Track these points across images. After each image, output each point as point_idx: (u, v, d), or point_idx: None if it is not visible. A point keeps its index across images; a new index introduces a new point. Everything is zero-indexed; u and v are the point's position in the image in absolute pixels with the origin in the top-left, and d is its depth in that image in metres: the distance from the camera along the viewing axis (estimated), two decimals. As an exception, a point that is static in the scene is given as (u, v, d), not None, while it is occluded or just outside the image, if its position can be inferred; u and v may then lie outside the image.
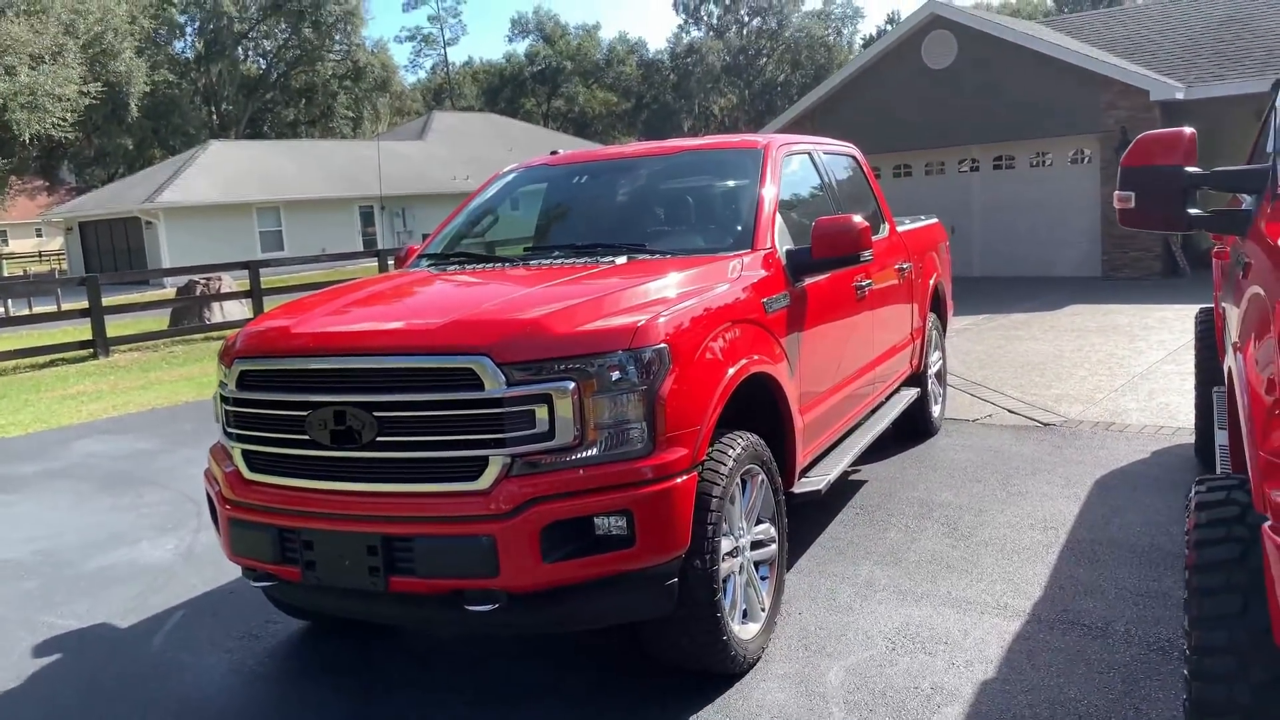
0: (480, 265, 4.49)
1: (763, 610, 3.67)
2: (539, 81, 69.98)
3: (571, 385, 3.03)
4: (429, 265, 4.67)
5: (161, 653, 4.09)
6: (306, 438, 3.23)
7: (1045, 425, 6.79)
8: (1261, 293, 2.37)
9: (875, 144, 15.84)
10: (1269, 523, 1.97)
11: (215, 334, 15.45)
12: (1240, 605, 2.12)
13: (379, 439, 3.11)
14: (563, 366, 3.05)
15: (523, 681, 3.64)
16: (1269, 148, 3.16)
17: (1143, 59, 15.63)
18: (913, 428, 6.51)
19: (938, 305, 6.93)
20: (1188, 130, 3.05)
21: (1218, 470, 3.54)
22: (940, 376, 7.07)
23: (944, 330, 7.24)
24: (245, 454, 3.45)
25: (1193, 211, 3.04)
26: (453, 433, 3.06)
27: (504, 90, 69.67)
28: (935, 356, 6.86)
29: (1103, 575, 4.20)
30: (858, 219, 4.20)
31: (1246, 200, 3.30)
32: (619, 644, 3.81)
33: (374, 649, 4.00)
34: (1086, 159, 15.07)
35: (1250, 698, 2.07)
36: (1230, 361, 2.77)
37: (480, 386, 3.01)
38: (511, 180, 5.35)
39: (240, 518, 3.43)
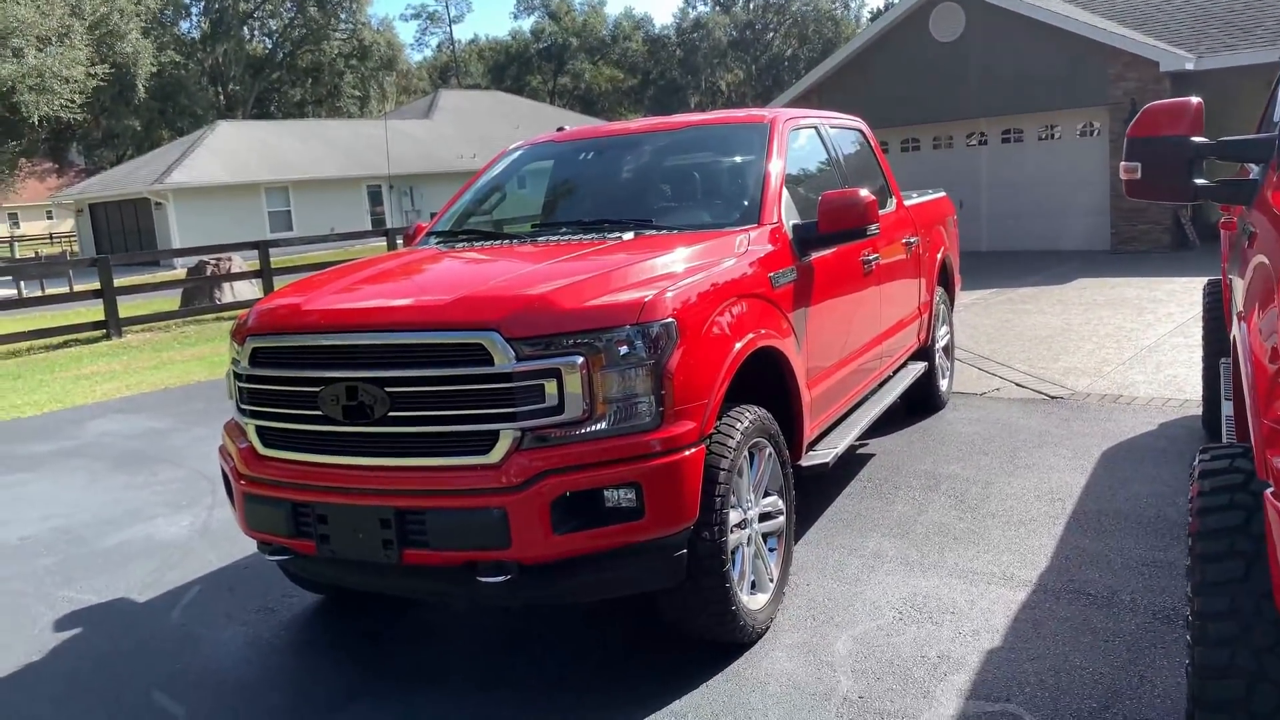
0: (488, 242, 4.51)
1: (771, 581, 3.72)
2: (545, 59, 69.65)
3: (580, 360, 3.05)
4: (437, 243, 4.69)
5: (179, 626, 4.16)
6: (319, 413, 3.27)
7: (1053, 398, 6.80)
8: (1266, 261, 2.38)
9: (883, 118, 15.79)
10: (1271, 489, 2.00)
11: (226, 314, 15.53)
12: (1243, 571, 2.15)
13: (391, 414, 3.15)
14: (571, 341, 3.08)
15: (532, 654, 3.70)
16: (1276, 117, 3.16)
17: (1152, 30, 15.50)
18: (921, 401, 6.54)
19: (945, 279, 6.93)
20: (1194, 100, 3.05)
21: (1224, 441, 3.56)
22: (948, 350, 7.08)
23: (952, 304, 7.24)
24: (259, 430, 3.50)
25: (1199, 182, 3.04)
26: (463, 407, 3.09)
27: (510, 68, 69.39)
28: (943, 330, 6.87)
29: (1109, 545, 4.23)
30: (864, 193, 4.20)
31: (1254, 170, 3.30)
32: (628, 615, 3.87)
33: (388, 622, 4.06)
34: (1095, 131, 14.98)
35: (1252, 661, 2.10)
36: (1235, 331, 2.78)
37: (490, 361, 3.05)
38: (518, 158, 5.36)
39: (255, 493, 3.48)
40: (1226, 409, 3.64)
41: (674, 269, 3.54)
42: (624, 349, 3.11)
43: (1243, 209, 3.37)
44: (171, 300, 17.18)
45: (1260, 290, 2.37)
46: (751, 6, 69.72)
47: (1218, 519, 2.22)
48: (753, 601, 3.56)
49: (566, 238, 4.22)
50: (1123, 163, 3.14)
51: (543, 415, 3.05)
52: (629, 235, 4.08)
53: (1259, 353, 2.22)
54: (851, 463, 5.60)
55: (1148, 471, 5.15)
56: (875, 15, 56.25)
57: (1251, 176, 3.18)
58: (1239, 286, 3.00)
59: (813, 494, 5.03)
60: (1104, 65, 14.39)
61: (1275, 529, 1.95)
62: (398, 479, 3.18)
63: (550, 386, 3.05)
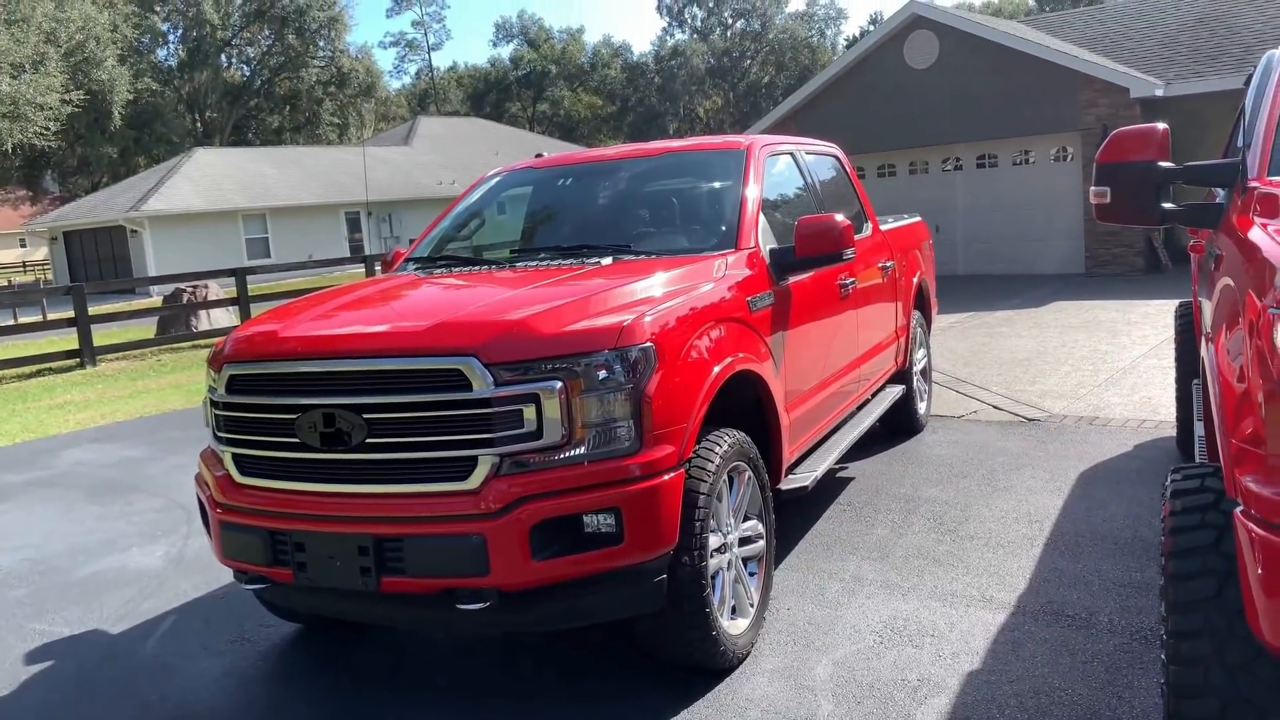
0: (466, 268, 4.52)
1: (751, 606, 3.71)
2: (524, 85, 69.98)
3: (559, 385, 3.06)
4: (415, 269, 4.70)
5: (154, 657, 4.10)
6: (296, 440, 3.25)
7: (1030, 421, 6.86)
8: (1231, 284, 2.43)
9: (859, 144, 15.96)
10: (1241, 508, 2.03)
11: (203, 342, 15.42)
12: (1215, 589, 2.17)
13: (368, 440, 3.14)
14: (550, 366, 3.09)
15: (514, 682, 3.67)
16: (1240, 143, 3.23)
17: (1122, 57, 15.78)
18: (899, 425, 6.57)
19: (922, 303, 6.99)
20: (1160, 126, 3.12)
21: (1196, 461, 3.60)
22: (925, 374, 7.13)
23: (929, 328, 7.30)
24: (235, 458, 3.47)
25: (1167, 206, 3.10)
26: (441, 433, 3.09)
27: (489, 95, 69.66)
28: (920, 354, 6.92)
29: (1086, 567, 4.26)
30: (840, 218, 4.25)
31: (1220, 194, 3.36)
32: (607, 641, 3.85)
33: (367, 651, 4.02)
34: (1069, 156, 15.19)
35: (1225, 679, 2.12)
36: (1203, 352, 2.83)
37: (468, 387, 3.05)
38: (497, 184, 5.38)
39: (231, 521, 3.45)
40: (1199, 429, 3.69)
41: (652, 294, 3.55)
42: (602, 374, 3.12)
43: (1210, 232, 3.43)
44: (147, 328, 17.05)
45: (1226, 312, 2.41)
46: (729, 34, 70.40)
47: (1189, 538, 2.25)
48: (733, 626, 3.56)
49: (545, 263, 4.23)
50: (1092, 188, 3.20)
51: (521, 441, 3.05)
52: (607, 260, 4.10)
53: (1226, 373, 2.26)
54: (831, 486, 5.61)
55: (1124, 492, 5.19)
56: (851, 42, 56.96)
57: (1218, 201, 3.25)
58: (1207, 309, 3.05)
59: (793, 517, 5.03)
60: (1076, 91, 14.62)
61: (1246, 549, 1.98)
62: (375, 506, 3.17)
63: (529, 412, 3.05)
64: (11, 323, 19.80)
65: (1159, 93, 14.23)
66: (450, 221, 5.19)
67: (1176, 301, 6.17)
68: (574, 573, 3.10)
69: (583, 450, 3.09)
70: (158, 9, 49.07)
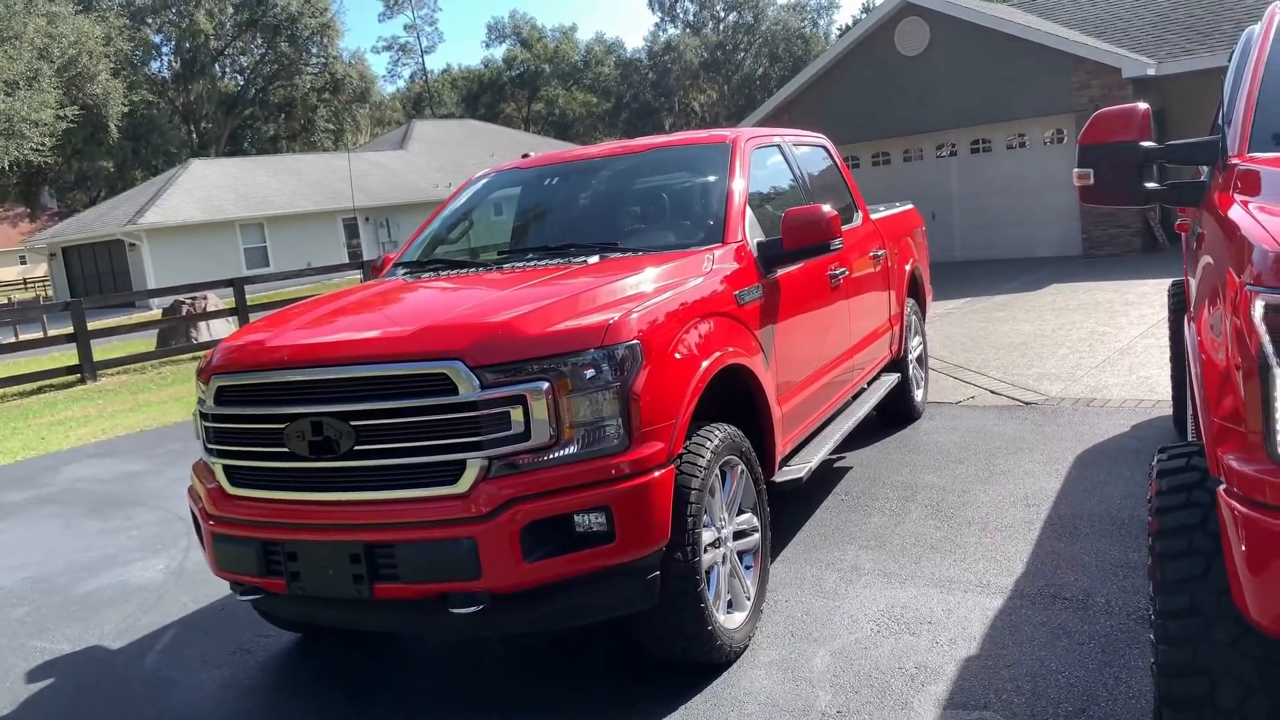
0: (454, 271, 4.51)
1: (748, 599, 3.71)
2: (518, 86, 69.93)
3: (546, 385, 3.05)
4: (404, 273, 4.69)
5: (154, 671, 4.11)
6: (285, 450, 3.25)
7: (1027, 404, 6.84)
8: (1212, 262, 2.42)
9: (853, 133, 15.94)
10: (1224, 486, 2.02)
11: (202, 353, 15.40)
12: (1202, 568, 2.16)
13: (357, 448, 3.14)
14: (536, 367, 3.08)
15: (512, 682, 3.68)
16: (1221, 120, 3.21)
17: (1113, 37, 15.72)
18: (896, 413, 6.56)
19: (916, 291, 6.97)
20: (1141, 106, 3.10)
21: (1189, 440, 3.59)
22: (921, 361, 7.11)
23: (924, 315, 7.29)
24: (226, 469, 3.47)
25: (1149, 185, 3.09)
26: (430, 438, 3.08)
27: (483, 96, 69.62)
28: (915, 341, 6.91)
29: (1084, 549, 4.25)
30: (826, 208, 4.24)
31: (1204, 172, 3.35)
32: (603, 638, 3.85)
33: (366, 660, 4.02)
34: (1063, 139, 15.14)
35: (1214, 658, 2.11)
36: (1186, 331, 2.82)
37: (455, 391, 3.04)
38: (484, 185, 5.38)
39: (224, 533, 3.46)
40: (1189, 408, 3.67)
41: (639, 290, 3.55)
42: (590, 372, 3.12)
43: (1194, 211, 3.42)
44: (147, 341, 17.06)
45: (1208, 290, 2.40)
46: (722, 27, 70.28)
47: (1175, 518, 2.24)
48: (729, 621, 3.55)
49: (532, 263, 4.23)
50: (1075, 169, 3.19)
51: (509, 442, 3.05)
52: (594, 259, 4.09)
53: (1208, 352, 2.25)
54: (828, 476, 5.61)
55: (1121, 473, 5.18)
56: (844, 32, 56.83)
57: (1201, 179, 3.23)
58: (1192, 286, 3.04)
59: (790, 508, 5.03)
60: (1068, 73, 14.57)
61: (1229, 525, 1.97)
62: (366, 513, 3.17)
63: (516, 413, 3.04)
64: (13, 340, 19.85)
65: (1151, 72, 14.18)
66: (438, 225, 5.18)
67: (1171, 281, 6.15)
68: (566, 573, 3.09)
69: (571, 450, 3.09)
70: (150, 21, 49.10)
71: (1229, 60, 4.02)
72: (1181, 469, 2.35)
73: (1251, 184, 2.56)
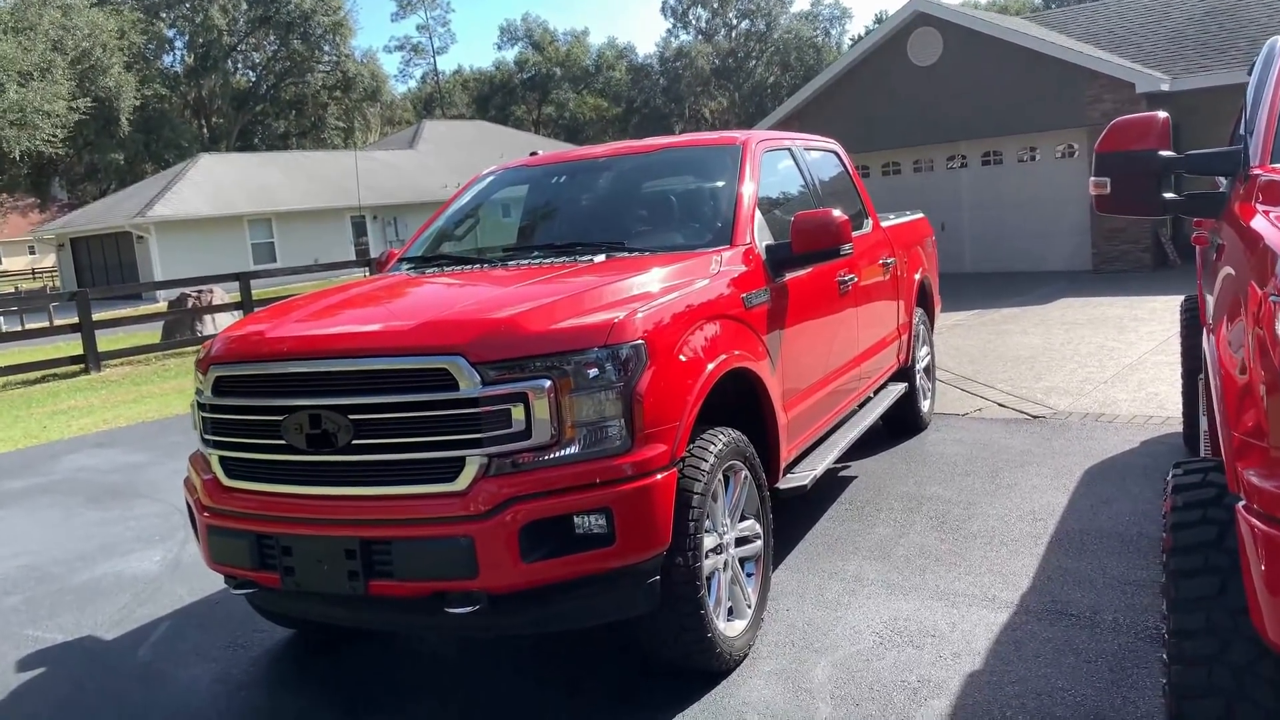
0: (459, 267, 4.46)
1: (749, 607, 3.65)
2: (529, 88, 70.01)
3: (547, 383, 3.00)
4: (408, 269, 4.65)
5: (147, 664, 4.06)
6: (283, 442, 3.20)
7: (1035, 418, 6.78)
8: (1233, 273, 2.36)
9: (863, 142, 15.88)
10: (1243, 503, 1.96)
11: (207, 346, 15.39)
12: (1218, 587, 2.10)
13: (355, 442, 3.09)
14: (539, 365, 3.03)
15: (508, 686, 3.62)
16: (1242, 130, 3.16)
17: (1128, 52, 15.67)
18: (902, 423, 6.50)
19: (924, 300, 6.92)
20: (1161, 114, 3.05)
21: (1201, 456, 3.53)
22: (929, 371, 7.05)
23: (932, 325, 7.23)
24: (223, 460, 3.42)
25: (1168, 195, 3.03)
26: (429, 434, 3.03)
27: (494, 98, 69.70)
28: (923, 351, 6.85)
29: (1091, 565, 4.19)
30: (837, 213, 4.18)
31: (1224, 184, 3.29)
32: (600, 643, 3.79)
33: (360, 656, 3.97)
34: (1074, 153, 15.08)
35: (1230, 680, 2.05)
36: (1205, 344, 2.76)
37: (455, 387, 2.99)
38: (491, 182, 5.33)
39: (219, 525, 3.41)
40: (1204, 424, 3.62)
41: (645, 290, 3.49)
42: (593, 372, 3.06)
43: (1213, 222, 3.36)
44: (152, 333, 17.05)
45: (1228, 302, 2.35)
46: (734, 35, 70.33)
47: (1191, 534, 2.18)
48: (730, 628, 3.49)
49: (538, 261, 4.18)
50: (1092, 178, 3.13)
51: (510, 440, 2.99)
52: (600, 258, 4.04)
53: (1228, 365, 2.19)
54: (833, 485, 5.55)
55: (1130, 489, 5.11)
56: (856, 41, 56.84)
57: (1221, 190, 3.18)
58: (1210, 300, 2.98)
59: (794, 516, 4.97)
60: (1081, 87, 14.51)
61: (1249, 544, 1.91)
62: (362, 508, 3.11)
63: (517, 411, 2.99)
64: (19, 328, 19.87)
65: (1165, 87, 14.11)
66: (444, 221, 5.14)
67: (1183, 297, 6.09)
68: (565, 574, 3.04)
69: (573, 450, 3.03)
70: (164, 15, 49.27)
71: (1249, 72, 3.96)
72: (1198, 484, 2.28)
73: (1274, 194, 2.50)
